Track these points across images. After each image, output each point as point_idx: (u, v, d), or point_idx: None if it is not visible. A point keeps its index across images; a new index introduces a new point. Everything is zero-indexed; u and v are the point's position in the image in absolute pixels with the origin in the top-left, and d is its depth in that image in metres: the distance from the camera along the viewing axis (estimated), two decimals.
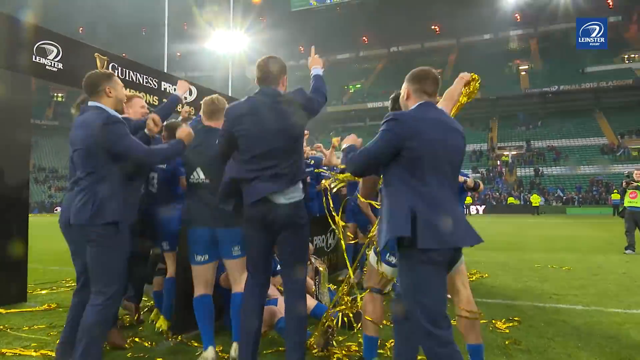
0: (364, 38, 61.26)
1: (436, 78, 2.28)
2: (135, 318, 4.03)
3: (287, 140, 2.63)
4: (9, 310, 4.38)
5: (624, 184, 9.97)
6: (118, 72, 6.32)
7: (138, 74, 6.60)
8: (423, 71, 2.30)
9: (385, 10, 52.54)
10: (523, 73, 53.44)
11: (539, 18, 52.81)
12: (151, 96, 6.74)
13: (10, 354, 3.21)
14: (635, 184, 9.51)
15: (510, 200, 38.16)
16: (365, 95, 56.05)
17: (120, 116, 2.80)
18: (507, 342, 3.47)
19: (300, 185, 2.71)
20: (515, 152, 45.41)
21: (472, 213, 35.35)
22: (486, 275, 6.42)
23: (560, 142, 44.44)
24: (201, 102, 3.31)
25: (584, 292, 5.48)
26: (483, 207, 37.11)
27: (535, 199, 33.91)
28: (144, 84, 6.71)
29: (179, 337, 3.52)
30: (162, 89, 6.97)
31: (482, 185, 5.61)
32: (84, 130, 2.68)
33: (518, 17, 55.56)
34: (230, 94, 23.19)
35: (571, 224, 21.69)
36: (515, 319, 4.15)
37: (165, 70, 27.60)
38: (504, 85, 50.81)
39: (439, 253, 2.03)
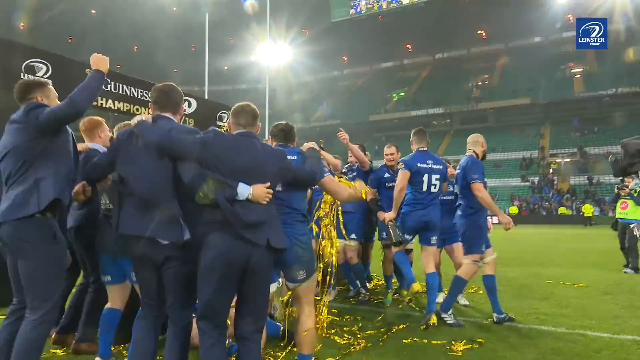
0: (407, 46, 60.39)
1: (250, 112, 2.62)
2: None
3: None
4: None
5: (616, 190, 8.63)
6: (111, 87, 6.56)
7: (132, 88, 6.81)
8: (239, 106, 2.66)
9: (428, 17, 51.59)
10: (577, 76, 50.63)
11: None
12: (146, 109, 6.90)
13: None
14: (628, 190, 8.07)
15: (562, 210, 35.95)
16: (409, 103, 55.21)
17: None
18: None
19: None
20: (568, 160, 42.99)
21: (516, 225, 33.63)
22: (480, 291, 5.97)
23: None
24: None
25: (579, 312, 5.01)
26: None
27: (588, 209, 31.68)
28: (139, 97, 6.91)
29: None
30: None
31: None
32: (11, 129, 2.57)
33: (571, 19, 52.84)
34: (267, 106, 23.51)
35: None
36: (478, 340, 3.85)
37: (207, 85, 28.45)
38: (555, 90, 48.37)
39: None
